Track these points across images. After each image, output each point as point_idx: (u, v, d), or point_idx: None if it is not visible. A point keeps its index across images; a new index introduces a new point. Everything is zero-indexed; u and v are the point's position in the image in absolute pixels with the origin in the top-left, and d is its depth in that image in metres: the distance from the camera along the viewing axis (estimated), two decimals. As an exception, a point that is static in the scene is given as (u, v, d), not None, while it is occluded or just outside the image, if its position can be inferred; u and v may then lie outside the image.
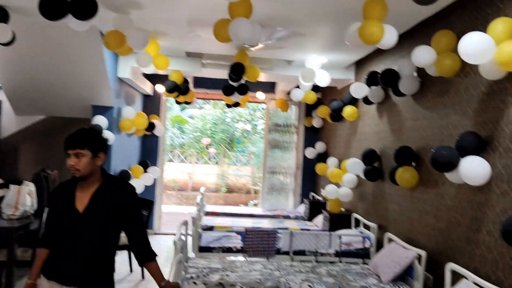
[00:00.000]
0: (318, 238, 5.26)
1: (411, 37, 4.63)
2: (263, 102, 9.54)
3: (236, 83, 6.24)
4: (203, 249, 5.24)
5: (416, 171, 4.34)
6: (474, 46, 3.00)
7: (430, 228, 4.07)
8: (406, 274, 4.15)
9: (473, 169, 3.20)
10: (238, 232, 5.49)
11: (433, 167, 3.46)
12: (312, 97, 6.71)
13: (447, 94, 3.91)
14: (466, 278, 3.28)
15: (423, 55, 3.82)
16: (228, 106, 8.01)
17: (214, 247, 5.25)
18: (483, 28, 3.26)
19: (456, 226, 3.64)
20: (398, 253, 4.25)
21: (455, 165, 3.31)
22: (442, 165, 3.37)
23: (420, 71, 4.33)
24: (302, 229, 6.37)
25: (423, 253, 3.96)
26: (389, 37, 3.46)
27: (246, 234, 5.16)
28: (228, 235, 5.50)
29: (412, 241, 4.38)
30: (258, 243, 5.13)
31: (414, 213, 4.43)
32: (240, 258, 5.19)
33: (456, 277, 3.39)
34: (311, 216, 7.35)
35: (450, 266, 3.48)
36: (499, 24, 3.03)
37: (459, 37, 3.56)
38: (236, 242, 5.35)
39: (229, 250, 5.26)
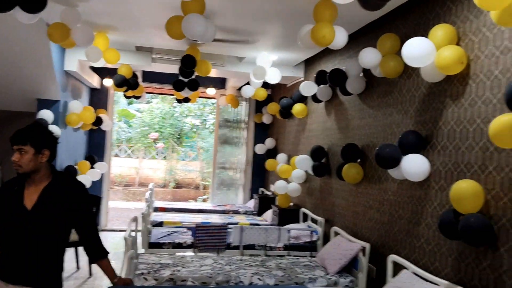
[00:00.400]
0: (267, 233, 5.37)
1: (359, 38, 4.82)
2: (214, 98, 9.55)
3: (186, 78, 6.22)
4: (153, 245, 5.22)
5: (361, 167, 4.53)
6: (416, 50, 3.19)
7: (374, 222, 4.28)
8: (351, 265, 4.34)
9: (414, 166, 3.41)
10: (188, 228, 5.50)
11: (377, 163, 3.64)
12: (263, 94, 6.80)
13: (391, 94, 4.11)
14: (406, 268, 3.49)
15: (369, 57, 4.00)
16: (178, 101, 7.97)
17: (164, 243, 5.24)
18: (425, 32, 3.47)
19: (398, 220, 3.85)
20: (343, 246, 4.43)
21: (398, 162, 3.50)
22: (385, 162, 3.56)
23: (366, 72, 4.52)
24: (251, 224, 6.48)
25: (367, 245, 4.15)
26: (340, 38, 3.60)
27: (196, 229, 5.18)
28: (178, 231, 5.50)
29: (357, 234, 4.58)
30: (209, 238, 5.17)
31: (359, 207, 4.63)
32: (191, 253, 5.21)
33: (398, 267, 3.60)
34: (260, 211, 7.48)
35: (392, 257, 3.68)
36: (439, 30, 3.24)
37: (403, 40, 3.76)
38: (186, 237, 5.36)
39: (179, 245, 5.26)
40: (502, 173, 2.70)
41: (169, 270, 4.11)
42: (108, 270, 2.56)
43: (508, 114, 2.49)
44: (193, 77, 6.20)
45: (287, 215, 6.31)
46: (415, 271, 3.39)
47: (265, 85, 6.72)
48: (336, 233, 4.94)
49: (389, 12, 4.19)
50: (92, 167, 7.45)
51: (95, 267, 5.00)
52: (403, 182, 3.79)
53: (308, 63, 6.68)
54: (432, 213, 3.38)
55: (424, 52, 3.17)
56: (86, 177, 7.05)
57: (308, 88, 5.72)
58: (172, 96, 9.93)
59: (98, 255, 2.58)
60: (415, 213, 3.60)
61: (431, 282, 3.17)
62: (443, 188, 3.26)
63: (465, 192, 2.80)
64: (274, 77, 5.96)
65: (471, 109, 3.02)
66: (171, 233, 5.42)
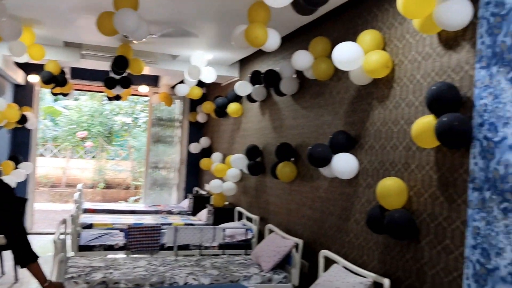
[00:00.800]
0: (202, 232, 5.37)
1: (292, 40, 4.94)
2: (146, 96, 9.36)
3: (118, 76, 6.06)
4: (83, 248, 5.05)
5: (295, 166, 4.66)
6: (346, 54, 3.34)
7: (307, 219, 4.42)
8: (285, 262, 4.46)
9: (344, 164, 3.57)
10: (120, 229, 5.37)
11: (310, 162, 3.77)
12: (197, 92, 6.78)
13: (322, 96, 4.27)
14: (337, 263, 3.64)
15: (302, 59, 4.13)
16: (109, 99, 7.73)
17: (94, 245, 5.08)
18: (354, 37, 3.63)
19: (329, 216, 4.01)
20: (277, 243, 4.53)
21: (329, 161, 3.65)
22: (317, 161, 3.69)
23: (299, 73, 4.65)
24: (186, 224, 6.44)
25: (300, 241, 4.29)
26: (273, 40, 3.68)
27: (129, 231, 5.07)
28: (109, 233, 5.35)
29: (290, 231, 4.71)
30: (142, 239, 5.08)
31: (292, 205, 4.76)
32: (123, 255, 5.09)
33: (329, 262, 3.75)
34: (195, 211, 7.44)
35: (324, 253, 3.83)
36: (366, 35, 3.42)
37: (333, 44, 3.91)
38: (118, 239, 5.23)
39: (110, 248, 5.13)
40: (423, 171, 2.90)
41: (101, 273, 4.00)
42: (39, 275, 2.47)
43: (429, 116, 2.69)
44: (125, 74, 6.06)
45: (222, 214, 6.34)
46: (345, 265, 3.55)
47: (200, 83, 6.70)
48: (271, 231, 5.04)
49: (321, 16, 4.34)
50: (16, 168, 7.05)
51: (21, 272, 4.75)
52: (333, 180, 3.95)
53: (243, 63, 6.74)
54: (360, 209, 3.55)
55: (353, 56, 3.33)
56: (10, 178, 6.66)
57: (243, 88, 5.78)
58: (102, 93, 9.62)
59: (27, 259, 2.48)
60: (345, 210, 3.77)
61: (359, 275, 3.34)
62: (370, 185, 3.45)
63: (390, 189, 2.99)
64: (209, 76, 5.97)
65: (395, 111, 3.21)
66: (102, 235, 5.26)
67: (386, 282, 3.03)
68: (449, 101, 2.57)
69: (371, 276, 3.22)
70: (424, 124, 2.69)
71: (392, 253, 3.15)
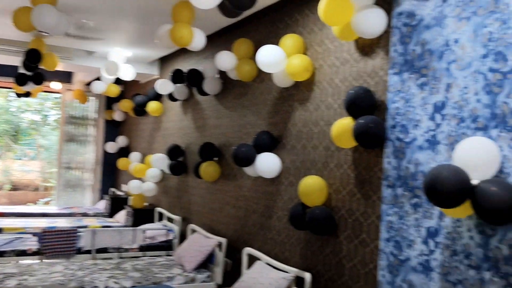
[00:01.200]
0: (121, 234, 5.23)
1: (215, 40, 4.97)
2: (58, 92, 8.88)
3: (30, 72, 5.70)
4: (-8, 255, 4.71)
5: (218, 165, 4.70)
6: (269, 57, 3.44)
7: (230, 217, 4.48)
8: (208, 261, 4.48)
9: (267, 164, 3.68)
10: (33, 234, 5.07)
11: (234, 162, 3.83)
12: (115, 90, 6.58)
13: (246, 97, 4.35)
14: (260, 259, 3.74)
15: (225, 60, 4.18)
16: (18, 95, 7.23)
17: (5, 251, 4.75)
18: (275, 40, 3.75)
19: (252, 214, 4.10)
20: (200, 243, 4.55)
21: (253, 161, 3.73)
22: (241, 160, 3.76)
23: (222, 74, 4.70)
24: (103, 226, 6.21)
25: (223, 240, 4.34)
26: (198, 40, 3.69)
27: (43, 235, 4.81)
28: (20, 237, 5.04)
29: (214, 230, 4.74)
30: (57, 243, 4.84)
31: (215, 204, 4.79)
32: (37, 261, 4.81)
33: (253, 259, 3.83)
34: (112, 212, 7.20)
35: (247, 250, 3.91)
36: (288, 39, 3.54)
37: (256, 46, 4.01)
38: (31, 244, 4.95)
39: (23, 253, 4.83)
40: (341, 170, 3.08)
41: (15, 280, 3.76)
42: None
43: (347, 119, 2.86)
44: (38, 70, 5.71)
45: (142, 215, 6.21)
46: (268, 261, 3.65)
47: (118, 81, 6.50)
48: (193, 231, 5.03)
49: (244, 18, 4.42)
50: None
51: None
52: (257, 179, 4.05)
53: (164, 61, 6.64)
54: (283, 207, 3.68)
55: (276, 59, 3.44)
56: None
57: (164, 86, 5.69)
58: (8, 89, 8.97)
59: None
60: (268, 208, 3.88)
61: (282, 270, 3.46)
62: (292, 183, 3.58)
63: (311, 187, 3.13)
64: (128, 74, 5.81)
65: (316, 113, 3.37)
66: (13, 240, 4.94)
67: (307, 276, 3.17)
68: (365, 105, 2.76)
69: (293, 271, 3.35)
70: (343, 125, 2.85)
71: (313, 248, 3.30)
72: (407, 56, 2.59)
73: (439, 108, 2.36)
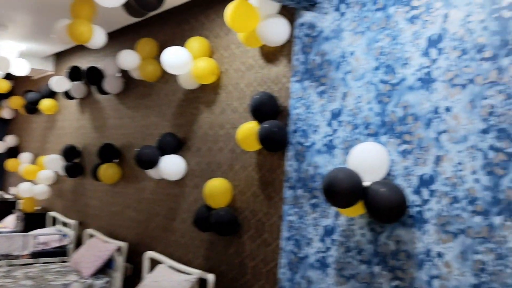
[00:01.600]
0: (11, 240, 4.86)
1: (116, 38, 4.82)
2: None
3: None
4: None
5: (119, 167, 4.56)
6: (175, 59, 3.42)
7: (131, 221, 4.37)
8: (107, 266, 4.32)
9: (171, 166, 3.65)
10: None
11: (137, 165, 3.74)
12: (4, 85, 6.07)
13: (149, 97, 4.27)
14: (162, 263, 3.70)
15: (128, 59, 4.07)
16: None
17: None
18: (181, 41, 3.75)
19: (155, 217, 4.04)
20: (98, 247, 4.37)
21: (156, 163, 3.68)
22: (145, 163, 3.69)
23: (125, 73, 4.57)
24: (-12, 233, 5.71)
25: (124, 244, 4.21)
26: (99, 38, 3.55)
27: None
28: None
29: (113, 235, 4.58)
30: None
31: (115, 207, 4.64)
32: None
33: (155, 263, 3.78)
34: (-1, 217, 6.63)
35: (149, 254, 3.84)
36: (194, 42, 3.56)
37: (161, 46, 3.97)
38: None
39: None
40: (245, 172, 3.16)
41: None
42: None
43: (252, 122, 2.95)
44: None
45: (33, 220, 5.80)
46: (170, 265, 3.62)
47: (8, 76, 6.02)
48: (91, 235, 4.82)
49: (149, 17, 4.34)
50: None
51: None
52: (160, 181, 4.00)
53: (60, 56, 6.27)
54: (187, 209, 3.68)
55: (182, 61, 3.43)
56: None
57: (60, 83, 5.39)
58: None
59: None
60: (171, 210, 3.85)
61: (185, 273, 3.45)
62: (197, 185, 3.60)
63: (217, 188, 3.18)
64: (21, 69, 5.40)
65: (221, 116, 3.42)
66: None
67: (210, 277, 3.21)
68: (269, 110, 2.87)
69: (196, 273, 3.36)
70: (248, 129, 2.94)
71: (217, 249, 3.34)
72: (308, 65, 2.74)
73: (336, 115, 2.53)
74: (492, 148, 1.83)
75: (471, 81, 1.92)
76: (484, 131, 1.86)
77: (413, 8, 2.20)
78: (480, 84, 1.89)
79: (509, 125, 1.78)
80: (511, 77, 1.80)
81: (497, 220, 1.79)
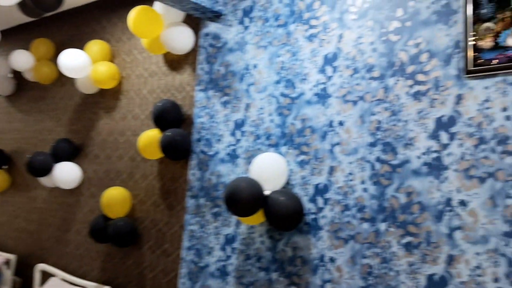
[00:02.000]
0: None
1: (10, 37, 4.47)
2: None
3: None
4: None
5: (8, 174, 4.22)
6: (73, 62, 3.26)
7: (21, 232, 4.05)
8: (-9, 282, 3.97)
9: (66, 173, 3.46)
10: None
11: (29, 172, 3.49)
12: None
13: (44, 100, 4.02)
14: (55, 276, 3.48)
15: (21, 59, 3.81)
16: None
17: None
18: (80, 44, 3.59)
19: (47, 228, 3.79)
20: (-19, 262, 4.00)
21: (49, 170, 3.47)
22: (37, 170, 3.46)
23: (17, 73, 4.26)
24: None
25: (12, 257, 3.90)
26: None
27: None
28: None
29: (0, 246, 4.22)
30: None
31: (3, 217, 4.28)
32: None
33: (48, 276, 3.54)
34: None
35: (40, 266, 3.59)
36: (94, 45, 3.42)
37: (58, 47, 3.77)
38: None
39: None
40: (146, 181, 3.10)
41: None
42: None
43: (154, 130, 2.91)
44: None
45: None
46: (63, 277, 3.42)
47: None
48: (-28, 249, 4.39)
49: (46, 17, 4.09)
50: None
51: None
52: (54, 190, 3.77)
53: None
54: (83, 219, 3.50)
55: (80, 64, 3.28)
56: None
57: None
58: None
59: None
60: (66, 220, 3.64)
61: (79, 285, 3.29)
62: (94, 194, 3.45)
63: (115, 198, 3.07)
64: None
65: (122, 122, 3.32)
66: None
67: (108, 289, 3.09)
68: (172, 118, 2.84)
69: (91, 285, 3.21)
70: (149, 137, 2.89)
71: (114, 261, 3.23)
72: (212, 75, 2.77)
73: (239, 125, 2.58)
74: (378, 160, 1.99)
75: (361, 98, 2.08)
76: (372, 144, 2.02)
77: (312, 27, 2.33)
78: (369, 101, 2.05)
79: (393, 139, 1.96)
80: (396, 95, 1.97)
81: (382, 226, 1.95)
